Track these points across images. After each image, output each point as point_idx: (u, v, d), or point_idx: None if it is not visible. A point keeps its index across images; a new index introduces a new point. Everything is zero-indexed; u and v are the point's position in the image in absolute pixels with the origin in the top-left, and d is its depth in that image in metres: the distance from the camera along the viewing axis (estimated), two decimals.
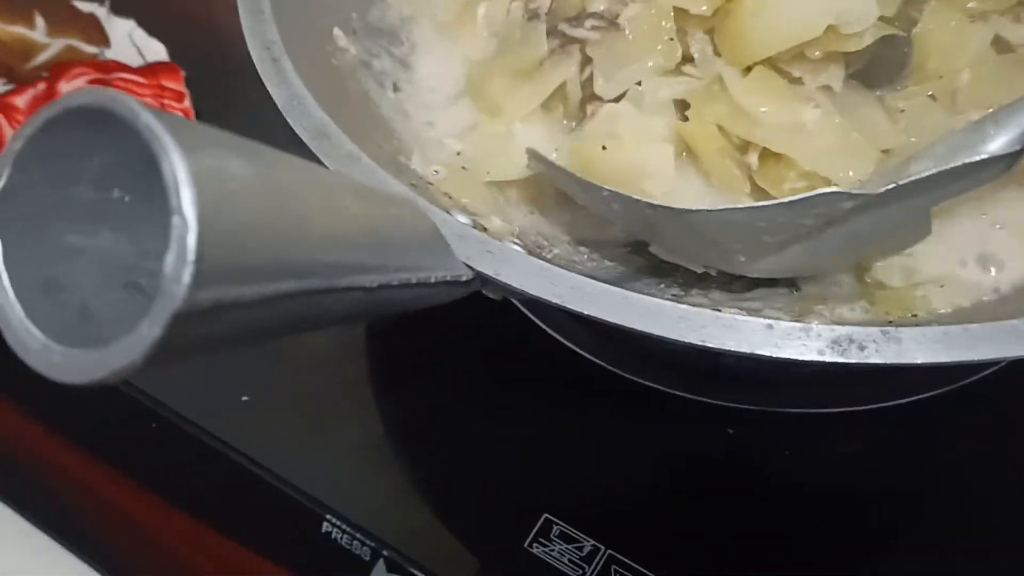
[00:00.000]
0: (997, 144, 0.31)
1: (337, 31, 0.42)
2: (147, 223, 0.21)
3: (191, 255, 0.18)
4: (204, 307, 0.19)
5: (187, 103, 0.56)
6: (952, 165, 0.31)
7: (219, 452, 0.44)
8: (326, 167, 0.32)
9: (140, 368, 0.19)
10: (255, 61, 0.37)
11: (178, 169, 0.18)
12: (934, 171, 0.31)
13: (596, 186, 0.33)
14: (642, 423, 0.44)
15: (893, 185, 0.30)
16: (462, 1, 0.46)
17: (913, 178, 0.31)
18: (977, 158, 0.31)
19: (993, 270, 0.36)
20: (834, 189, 0.31)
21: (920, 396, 0.43)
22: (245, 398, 0.46)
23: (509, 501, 0.43)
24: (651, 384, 0.44)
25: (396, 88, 0.44)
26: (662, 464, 0.43)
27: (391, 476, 0.45)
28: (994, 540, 0.40)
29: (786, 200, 0.30)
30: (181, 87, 0.56)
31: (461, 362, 0.47)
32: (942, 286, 0.35)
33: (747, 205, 0.36)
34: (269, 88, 0.36)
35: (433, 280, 0.28)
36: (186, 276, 0.18)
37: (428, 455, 0.45)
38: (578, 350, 0.46)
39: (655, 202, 0.33)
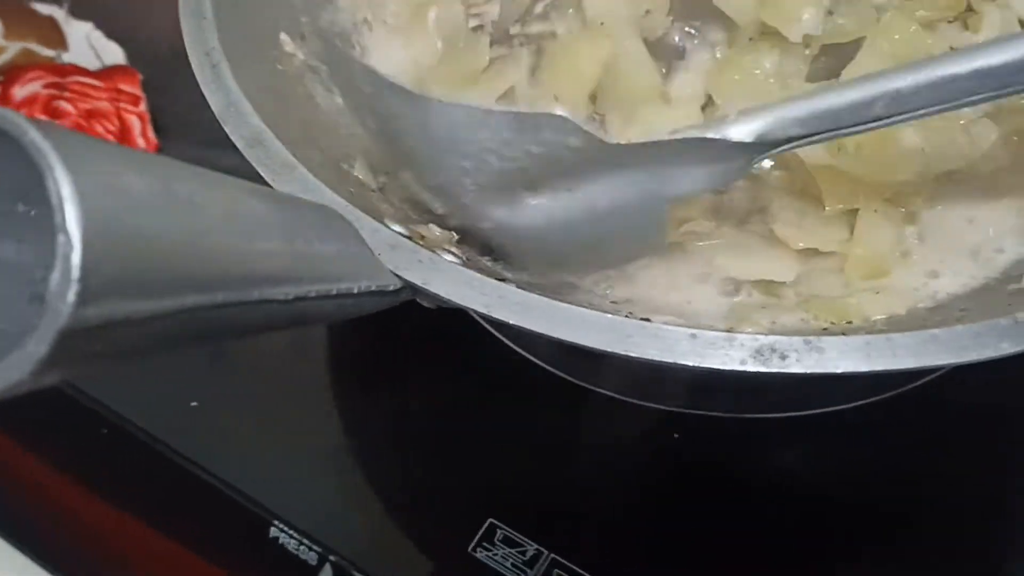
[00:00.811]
0: (734, 130, 0.30)
1: (284, 36, 0.42)
2: (48, 236, 0.21)
3: (75, 273, 0.18)
4: (92, 324, 0.19)
5: (143, 107, 0.55)
6: (679, 136, 0.31)
7: (166, 457, 0.44)
8: (252, 178, 0.32)
9: (29, 384, 0.19)
10: (193, 67, 0.36)
11: (63, 186, 0.18)
12: (662, 137, 0.31)
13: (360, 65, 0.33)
14: (588, 427, 0.44)
15: (621, 143, 0.31)
16: (413, 5, 0.46)
17: (641, 140, 0.31)
18: (705, 134, 0.30)
19: (929, 279, 0.36)
20: (562, 112, 0.31)
21: (863, 401, 0.43)
22: (194, 403, 0.46)
23: (454, 505, 0.43)
24: (598, 389, 0.44)
25: (345, 93, 0.44)
26: (607, 469, 0.43)
27: (338, 481, 0.45)
28: (934, 544, 0.41)
29: (514, 109, 0.31)
30: (138, 91, 0.56)
31: (412, 366, 0.47)
32: (877, 293, 0.35)
33: (476, 105, 0.33)
34: (206, 94, 0.35)
35: (356, 291, 0.28)
36: (70, 294, 0.18)
37: (375, 460, 0.45)
38: (527, 355, 0.46)
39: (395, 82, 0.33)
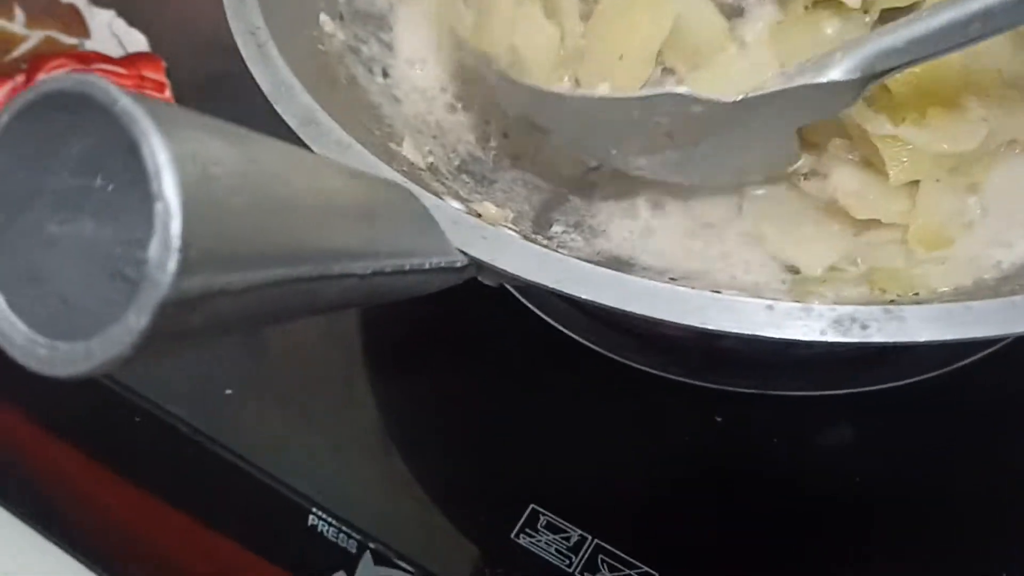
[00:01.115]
0: (839, 71, 0.31)
1: (324, 16, 0.41)
2: (131, 210, 0.20)
3: (176, 242, 0.17)
4: (191, 295, 0.18)
5: (168, 93, 0.55)
6: (792, 85, 0.32)
7: (203, 446, 0.43)
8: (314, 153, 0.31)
9: (129, 359, 0.18)
10: (240, 46, 0.36)
11: (159, 153, 0.18)
12: (776, 88, 0.33)
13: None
14: (633, 409, 0.44)
15: (740, 97, 0.32)
16: None
17: (757, 93, 0.33)
18: (815, 81, 0.32)
19: (993, 249, 0.36)
20: (681, 90, 0.33)
21: (916, 378, 0.42)
22: (229, 391, 0.45)
23: (496, 491, 0.42)
24: (644, 367, 0.44)
25: (385, 74, 0.43)
26: (652, 451, 0.43)
27: (377, 468, 0.44)
28: (994, 527, 0.40)
29: (635, 95, 0.34)
30: (162, 77, 0.55)
31: (450, 350, 0.46)
32: (943, 263, 0.34)
33: (604, 95, 0.37)
34: (255, 74, 0.35)
35: (427, 266, 0.27)
36: (172, 263, 0.17)
37: (415, 446, 0.45)
38: (570, 333, 0.45)
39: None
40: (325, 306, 0.24)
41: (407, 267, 0.26)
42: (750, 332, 0.27)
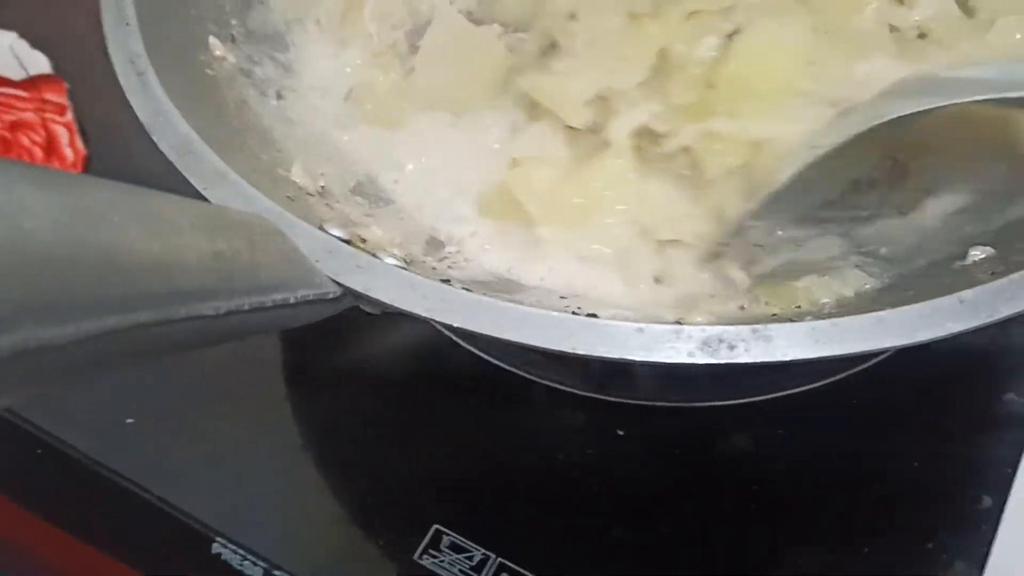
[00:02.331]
0: None
1: (213, 40, 0.41)
2: None
3: None
4: (4, 354, 0.18)
5: (69, 116, 0.54)
6: None
7: (104, 477, 0.43)
8: (184, 188, 0.30)
9: None
10: (118, 75, 0.35)
11: None
12: None
13: None
14: (536, 424, 0.44)
15: None
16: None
17: None
18: None
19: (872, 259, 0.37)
20: None
21: (809, 386, 0.43)
22: (130, 420, 0.44)
23: (399, 513, 0.42)
24: (547, 382, 0.44)
25: (279, 96, 0.42)
26: (555, 467, 0.43)
27: (280, 494, 0.44)
28: (881, 529, 0.41)
29: None
30: (64, 100, 0.54)
31: (352, 373, 0.46)
32: (823, 275, 0.35)
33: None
34: (132, 103, 0.34)
35: (293, 301, 0.27)
36: None
37: (317, 471, 0.44)
38: (475, 350, 0.45)
39: None
40: (178, 347, 0.24)
41: (269, 303, 0.26)
42: (619, 356, 0.27)
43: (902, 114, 0.33)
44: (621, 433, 0.43)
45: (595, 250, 0.37)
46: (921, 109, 0.33)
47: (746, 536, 0.40)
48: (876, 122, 0.34)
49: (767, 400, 0.43)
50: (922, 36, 0.39)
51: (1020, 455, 0.42)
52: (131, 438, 0.44)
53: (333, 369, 0.47)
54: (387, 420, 0.45)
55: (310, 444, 0.45)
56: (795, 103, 0.37)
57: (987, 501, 0.41)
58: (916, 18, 0.39)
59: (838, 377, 0.43)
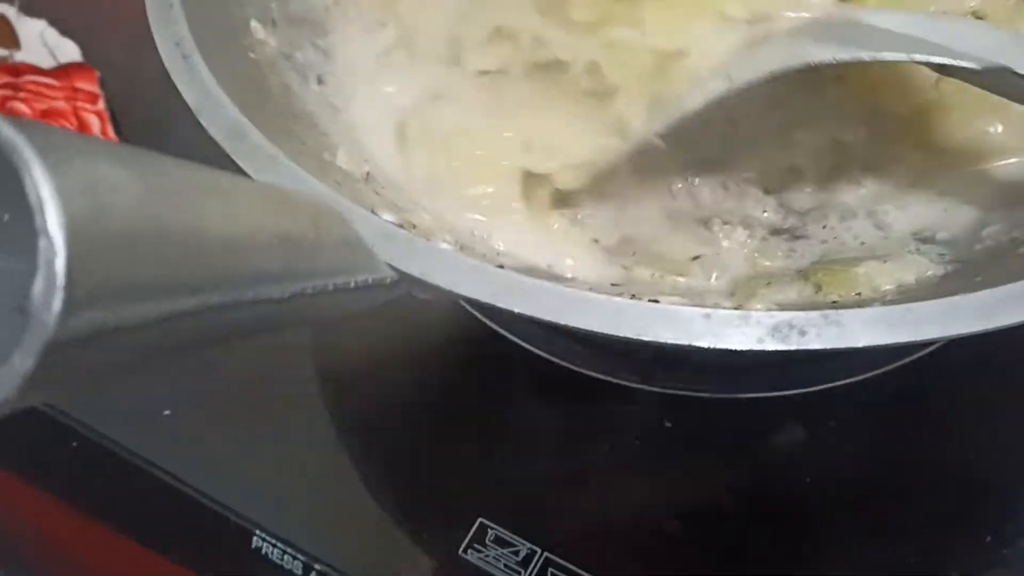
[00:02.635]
0: None
1: (255, 23, 0.40)
2: (29, 242, 0.19)
3: (60, 280, 0.16)
4: (83, 334, 0.17)
5: (101, 105, 0.53)
6: None
7: (142, 469, 0.42)
8: (232, 170, 0.30)
9: (17, 403, 0.17)
10: (164, 59, 0.34)
11: (41, 185, 0.16)
12: None
13: None
14: (581, 416, 0.43)
15: None
16: None
17: None
18: None
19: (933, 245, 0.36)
20: None
21: (864, 376, 0.42)
22: (167, 412, 0.44)
23: (443, 506, 0.42)
24: (593, 373, 0.43)
25: (321, 81, 0.42)
26: (600, 459, 0.42)
27: (321, 487, 0.43)
28: (945, 525, 0.40)
29: None
30: (95, 88, 0.54)
31: (395, 363, 0.46)
32: (885, 261, 0.34)
33: None
34: (180, 88, 0.34)
35: (353, 285, 0.27)
36: (56, 303, 0.16)
37: (358, 463, 0.44)
38: (518, 340, 0.45)
39: None
40: (241, 333, 0.24)
41: (331, 287, 0.25)
42: (687, 342, 0.27)
43: (816, 62, 0.31)
44: (668, 425, 0.42)
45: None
46: (837, 61, 0.31)
47: (803, 531, 0.39)
48: (789, 66, 0.31)
49: (817, 391, 0.42)
50: None
51: None
52: (168, 430, 0.44)
53: (371, 360, 0.46)
54: (427, 412, 0.44)
55: (349, 436, 0.45)
56: (707, 23, 0.36)
57: None
58: None
59: (892, 367, 0.42)
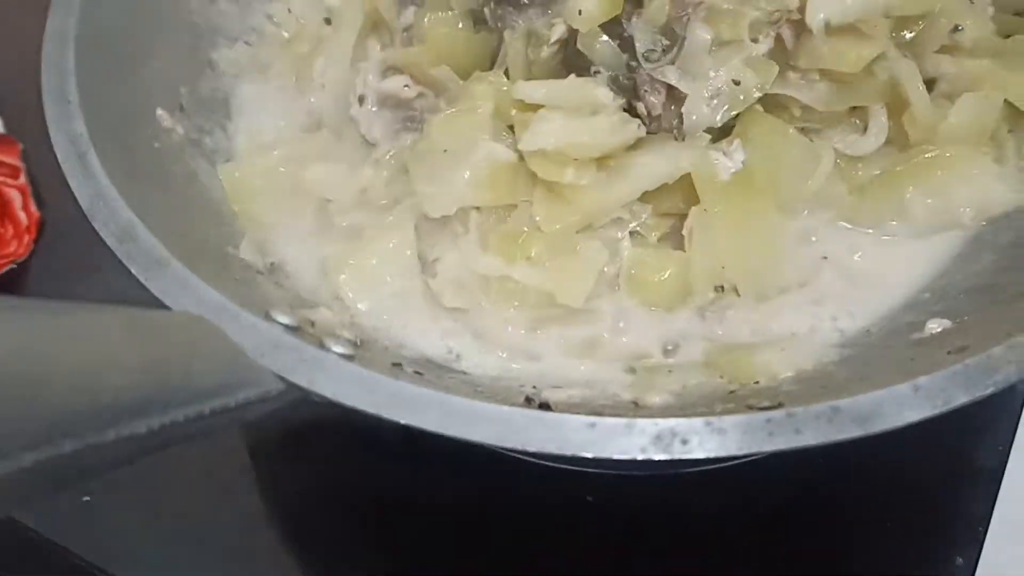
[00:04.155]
0: None
1: (161, 111, 0.40)
2: None
3: None
4: None
5: (23, 179, 0.53)
6: None
7: (65, 560, 0.41)
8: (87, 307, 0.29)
9: None
10: (59, 157, 0.34)
11: None
12: None
13: None
14: (507, 496, 0.43)
15: None
16: (293, 61, 0.44)
17: None
18: None
19: (835, 330, 0.36)
20: None
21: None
22: (86, 498, 0.43)
23: None
24: (518, 456, 0.43)
25: (230, 165, 0.42)
26: (526, 535, 0.42)
27: (250, 567, 0.43)
28: None
29: None
30: (17, 161, 0.53)
31: (324, 440, 0.45)
32: (783, 350, 0.34)
33: None
34: (73, 187, 0.33)
35: (234, 404, 0.26)
36: None
37: (289, 543, 0.43)
38: None
39: None
40: (112, 467, 0.23)
41: (207, 411, 0.25)
42: (571, 453, 0.27)
43: None
44: (591, 500, 0.42)
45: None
46: None
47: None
48: None
49: (723, 469, 0.42)
50: None
51: (989, 513, 0.42)
52: (88, 517, 0.43)
53: (297, 440, 0.46)
54: (352, 489, 0.44)
55: (282, 517, 0.44)
56: None
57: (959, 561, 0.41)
58: None
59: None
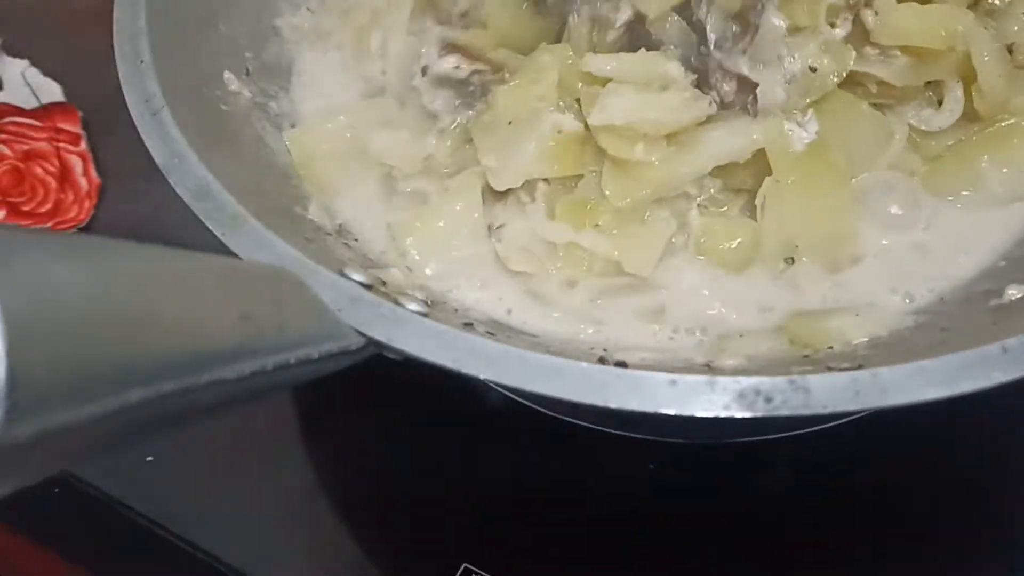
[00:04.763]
0: None
1: (228, 74, 0.40)
2: None
3: (1, 387, 0.16)
4: (29, 439, 0.17)
5: (83, 145, 0.53)
6: None
7: (124, 516, 0.42)
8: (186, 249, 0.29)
9: None
10: (134, 117, 0.34)
11: None
12: None
13: None
14: (563, 463, 0.43)
15: None
16: (352, 31, 0.44)
17: None
18: None
19: (908, 299, 0.36)
20: None
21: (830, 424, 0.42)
22: (150, 458, 0.44)
23: (429, 552, 0.41)
24: (579, 422, 0.43)
25: (294, 130, 0.42)
26: (586, 504, 0.42)
27: (306, 533, 0.43)
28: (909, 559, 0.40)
29: None
30: (77, 128, 0.54)
31: (381, 412, 0.45)
32: (857, 315, 0.34)
33: None
34: (148, 146, 0.34)
35: (317, 356, 0.26)
36: None
37: (345, 510, 0.44)
38: (502, 390, 0.44)
39: None
40: (202, 414, 0.23)
41: (292, 360, 0.25)
42: (654, 410, 0.27)
43: None
44: (652, 467, 0.42)
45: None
46: None
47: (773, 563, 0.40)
48: None
49: (796, 436, 0.42)
50: None
51: None
52: (151, 477, 0.43)
53: (362, 408, 0.46)
54: (410, 458, 0.44)
55: (337, 483, 0.45)
56: None
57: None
58: None
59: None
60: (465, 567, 0.40)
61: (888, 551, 0.41)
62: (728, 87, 0.38)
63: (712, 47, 0.38)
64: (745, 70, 0.37)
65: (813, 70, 0.37)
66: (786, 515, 0.42)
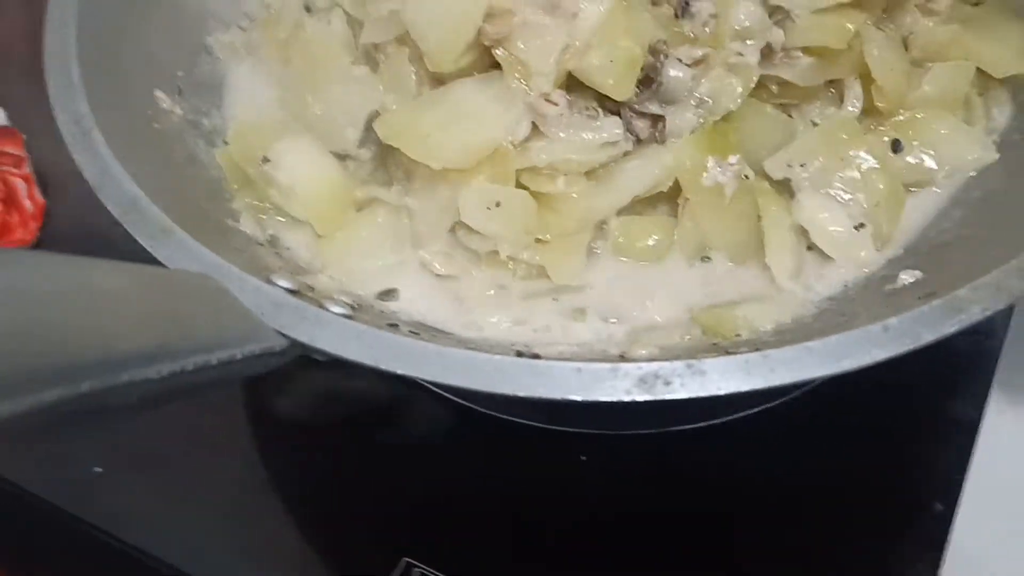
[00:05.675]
0: None
1: (159, 93, 0.41)
2: None
3: None
4: None
5: (27, 168, 0.54)
6: None
7: (73, 528, 0.43)
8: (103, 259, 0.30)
9: None
10: (64, 136, 0.36)
11: None
12: None
13: None
14: (501, 459, 0.44)
15: None
16: (276, 45, 0.46)
17: None
18: None
19: (811, 289, 0.38)
20: None
21: (758, 409, 0.44)
22: (97, 469, 0.45)
23: (368, 547, 0.42)
24: (514, 418, 0.45)
25: (227, 144, 0.43)
26: (521, 496, 0.43)
27: (249, 534, 0.44)
28: (837, 543, 0.42)
29: None
30: (21, 151, 0.54)
31: (322, 411, 0.47)
32: (763, 304, 0.36)
33: None
34: (78, 163, 0.35)
35: (240, 356, 0.28)
36: None
37: (285, 509, 0.45)
38: (438, 389, 0.46)
39: None
40: (124, 411, 0.25)
41: (214, 361, 0.26)
42: (560, 396, 0.28)
43: None
44: (584, 459, 0.43)
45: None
46: None
47: (707, 548, 0.41)
48: None
49: (719, 424, 0.44)
50: None
51: (967, 461, 0.43)
52: (99, 487, 0.44)
53: (304, 407, 0.47)
54: (350, 456, 0.45)
55: (280, 484, 0.46)
56: None
57: (938, 507, 0.42)
58: None
59: (791, 397, 0.44)
60: (406, 561, 0.42)
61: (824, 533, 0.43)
62: (642, 124, 0.40)
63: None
64: (656, 110, 0.40)
65: (719, 90, 0.39)
66: (724, 507, 0.43)
